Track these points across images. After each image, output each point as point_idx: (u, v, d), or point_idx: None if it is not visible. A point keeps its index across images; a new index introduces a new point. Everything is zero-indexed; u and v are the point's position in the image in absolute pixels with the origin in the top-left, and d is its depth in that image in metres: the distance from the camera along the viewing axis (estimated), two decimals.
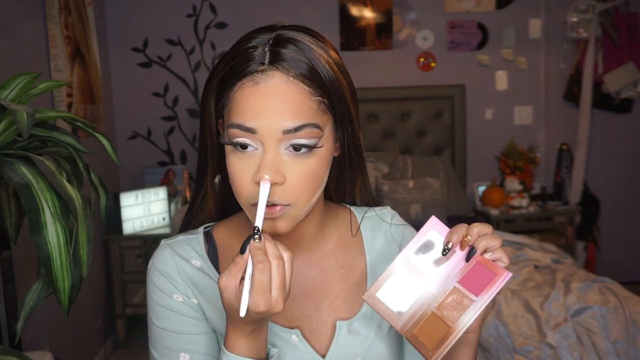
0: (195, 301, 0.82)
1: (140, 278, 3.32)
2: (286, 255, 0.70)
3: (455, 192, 3.54)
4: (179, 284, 0.82)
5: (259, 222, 0.70)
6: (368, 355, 0.84)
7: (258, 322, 0.72)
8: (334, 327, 0.84)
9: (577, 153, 3.82)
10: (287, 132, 0.72)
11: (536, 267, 2.75)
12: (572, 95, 3.91)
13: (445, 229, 0.78)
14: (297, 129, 0.72)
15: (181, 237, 0.86)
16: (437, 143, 3.86)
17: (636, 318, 2.14)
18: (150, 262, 0.84)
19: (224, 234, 0.88)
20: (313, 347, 0.83)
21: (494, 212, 3.60)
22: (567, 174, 3.86)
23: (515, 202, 3.66)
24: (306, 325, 0.84)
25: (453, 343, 0.73)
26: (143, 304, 3.31)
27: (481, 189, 3.81)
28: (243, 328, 0.72)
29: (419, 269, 0.77)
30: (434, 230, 0.78)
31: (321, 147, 0.75)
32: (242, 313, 0.68)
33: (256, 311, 0.68)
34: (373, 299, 0.76)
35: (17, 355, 1.26)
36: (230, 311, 0.71)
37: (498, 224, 3.57)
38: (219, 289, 0.70)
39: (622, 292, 2.36)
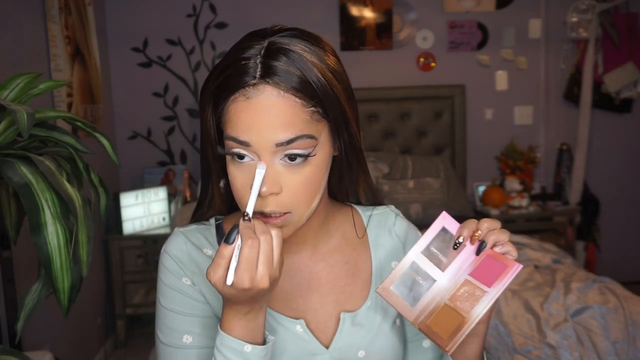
0: (200, 289, 0.84)
1: (140, 278, 3.32)
2: (274, 232, 0.71)
3: (455, 192, 3.54)
4: (188, 269, 0.84)
5: (250, 208, 0.71)
6: (371, 347, 0.86)
7: (251, 302, 0.72)
8: (339, 319, 0.86)
9: (577, 153, 3.82)
10: (280, 145, 0.73)
11: (536, 267, 2.75)
12: (572, 95, 3.91)
13: (455, 224, 0.80)
14: (289, 142, 0.73)
15: (194, 226, 0.89)
16: (437, 143, 3.85)
17: (636, 318, 2.14)
18: (162, 248, 0.87)
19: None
20: (317, 339, 0.85)
21: (494, 212, 3.59)
22: (567, 174, 3.86)
23: (515, 202, 3.66)
24: (312, 318, 0.86)
25: (468, 332, 0.74)
26: (143, 304, 3.31)
27: (481, 189, 3.81)
28: (238, 309, 0.73)
29: (431, 262, 0.80)
30: (445, 225, 0.80)
31: (315, 155, 0.76)
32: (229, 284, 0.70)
33: (241, 287, 0.69)
34: (387, 292, 0.78)
35: (17, 355, 1.26)
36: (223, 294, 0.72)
37: None
38: (210, 283, 0.70)
39: (622, 292, 2.36)
